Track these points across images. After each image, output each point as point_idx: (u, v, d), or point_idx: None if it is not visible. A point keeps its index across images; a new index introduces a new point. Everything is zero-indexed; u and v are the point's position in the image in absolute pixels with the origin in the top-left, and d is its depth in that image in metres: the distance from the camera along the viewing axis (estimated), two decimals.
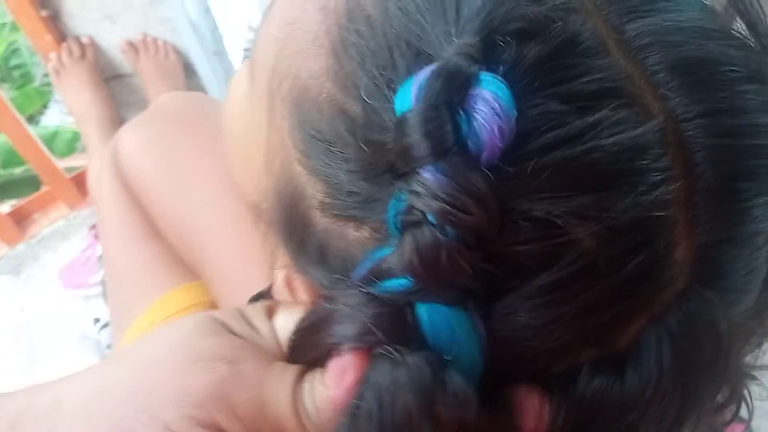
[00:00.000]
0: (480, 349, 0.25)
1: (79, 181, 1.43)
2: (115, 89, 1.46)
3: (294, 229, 0.31)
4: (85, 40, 1.40)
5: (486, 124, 0.22)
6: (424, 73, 0.23)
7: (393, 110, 0.24)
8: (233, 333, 0.28)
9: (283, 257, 0.33)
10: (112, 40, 1.42)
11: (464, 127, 0.22)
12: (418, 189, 0.22)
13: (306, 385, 0.26)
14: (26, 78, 1.52)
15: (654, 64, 0.25)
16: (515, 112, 0.22)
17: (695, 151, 0.25)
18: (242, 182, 0.37)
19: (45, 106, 1.57)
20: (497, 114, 0.22)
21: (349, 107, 0.26)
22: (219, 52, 1.39)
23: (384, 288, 0.24)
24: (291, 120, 0.29)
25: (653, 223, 0.24)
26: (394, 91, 0.24)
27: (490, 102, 0.22)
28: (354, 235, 0.27)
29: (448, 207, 0.22)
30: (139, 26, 1.41)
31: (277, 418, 0.26)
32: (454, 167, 0.22)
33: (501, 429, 0.27)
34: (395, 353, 0.24)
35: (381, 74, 0.25)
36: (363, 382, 0.24)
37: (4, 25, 1.51)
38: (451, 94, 0.22)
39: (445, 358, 0.24)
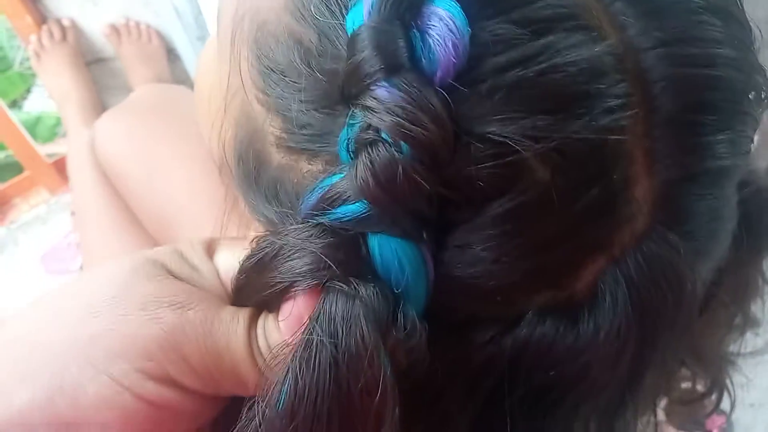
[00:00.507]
0: (426, 283, 0.24)
1: (60, 167, 1.42)
2: (97, 73, 1.44)
3: (248, 169, 0.30)
4: (66, 22, 1.38)
5: (440, 41, 0.22)
6: None
7: (346, 35, 0.24)
8: (174, 275, 0.27)
9: (240, 207, 0.32)
10: (94, 22, 1.41)
11: (418, 43, 0.22)
12: (372, 104, 0.22)
13: (260, 331, 0.26)
14: (5, 62, 1.50)
15: None
16: (469, 29, 0.22)
17: (653, 81, 0.24)
18: (210, 140, 0.36)
19: (28, 91, 1.55)
20: (451, 30, 0.22)
21: (304, 37, 0.26)
22: (202, 37, 1.37)
23: (335, 216, 0.24)
24: (250, 57, 0.29)
25: (609, 153, 0.24)
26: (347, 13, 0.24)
27: (444, 19, 0.22)
28: (308, 167, 0.26)
29: (403, 121, 0.21)
30: (122, 9, 1.40)
31: (233, 367, 0.25)
32: (408, 82, 0.22)
33: (449, 362, 0.26)
34: (349, 286, 0.23)
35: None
36: (315, 315, 0.23)
37: None
38: (404, 10, 0.22)
39: (395, 290, 0.24)
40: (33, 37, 1.36)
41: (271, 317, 0.26)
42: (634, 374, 0.28)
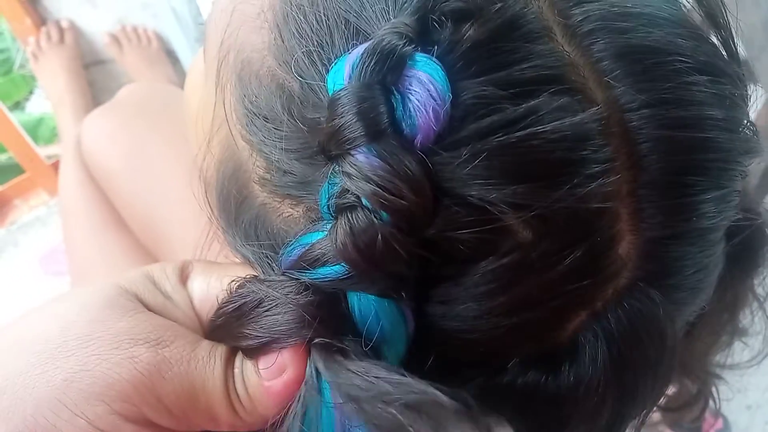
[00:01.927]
0: (405, 337, 0.24)
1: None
2: (97, 75, 1.44)
3: (229, 202, 0.30)
4: (64, 24, 1.38)
5: (421, 107, 0.21)
6: (358, 51, 0.22)
7: (326, 90, 0.23)
8: (147, 306, 0.26)
9: (223, 238, 0.32)
10: (93, 24, 1.40)
11: (399, 108, 0.22)
12: (351, 171, 0.22)
13: (237, 371, 0.25)
14: (7, 64, 1.50)
15: (599, 50, 0.24)
16: (450, 95, 0.22)
17: (640, 143, 0.24)
18: (198, 159, 0.36)
19: (31, 93, 1.55)
20: (432, 96, 0.21)
21: (287, 83, 0.26)
22: (201, 39, 1.37)
23: (316, 276, 0.24)
24: (235, 93, 0.28)
25: (593, 216, 0.24)
26: (329, 70, 0.24)
27: (425, 84, 0.22)
28: (289, 212, 0.27)
29: (380, 191, 0.21)
30: (120, 11, 1.39)
31: (208, 407, 0.25)
32: (387, 150, 0.22)
33: None
34: (332, 342, 0.23)
35: (318, 51, 0.25)
36: (307, 378, 0.24)
37: None
38: (386, 74, 0.22)
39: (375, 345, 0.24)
40: (31, 39, 1.36)
41: (249, 362, 0.26)
42: (614, 422, 0.28)
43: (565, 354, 0.26)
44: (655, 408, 0.46)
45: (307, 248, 0.24)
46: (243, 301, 0.25)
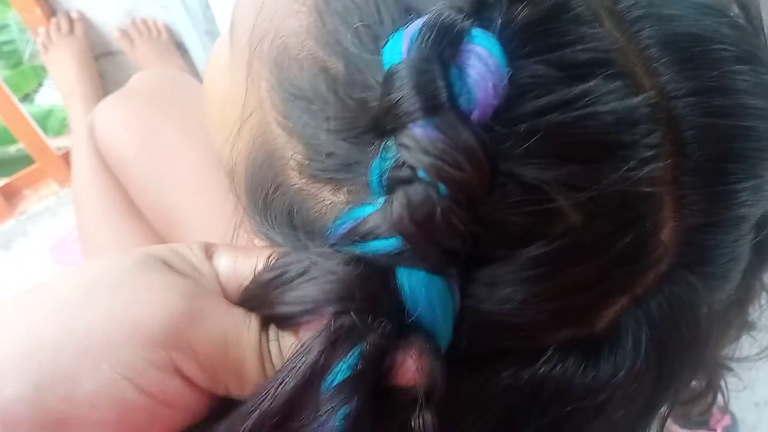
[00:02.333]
0: (453, 316, 0.24)
1: (69, 159, 1.42)
2: (107, 66, 1.44)
3: (260, 190, 0.30)
4: (74, 15, 1.38)
5: (480, 80, 0.21)
6: (415, 26, 0.22)
7: (378, 66, 0.23)
8: (177, 271, 0.26)
9: (251, 224, 0.32)
10: (103, 15, 1.40)
11: (457, 82, 0.22)
12: (409, 143, 0.22)
13: (272, 333, 0.25)
14: (15, 55, 1.51)
15: (647, 37, 0.25)
16: (509, 69, 0.22)
17: (684, 130, 0.24)
18: (220, 147, 0.36)
19: (40, 84, 1.56)
20: (491, 70, 0.21)
21: (330, 65, 0.26)
22: (211, 31, 1.37)
23: (368, 248, 0.23)
24: (270, 80, 0.28)
25: (641, 201, 0.24)
26: (380, 47, 0.24)
27: (483, 58, 0.22)
28: (330, 198, 0.26)
29: (440, 162, 0.21)
30: (130, 2, 1.39)
31: (238, 361, 0.24)
32: (446, 123, 0.21)
33: (468, 394, 0.27)
34: (363, 324, 0.23)
35: (366, 29, 0.25)
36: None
37: None
38: (444, 48, 0.22)
39: (422, 326, 0.24)
40: (41, 30, 1.36)
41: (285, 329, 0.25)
42: (647, 409, 0.28)
43: (604, 340, 0.26)
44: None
45: (358, 221, 0.23)
46: (286, 269, 0.25)
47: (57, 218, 1.43)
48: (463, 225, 0.22)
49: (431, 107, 0.22)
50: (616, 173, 0.23)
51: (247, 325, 0.25)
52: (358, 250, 0.24)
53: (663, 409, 0.32)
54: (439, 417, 0.24)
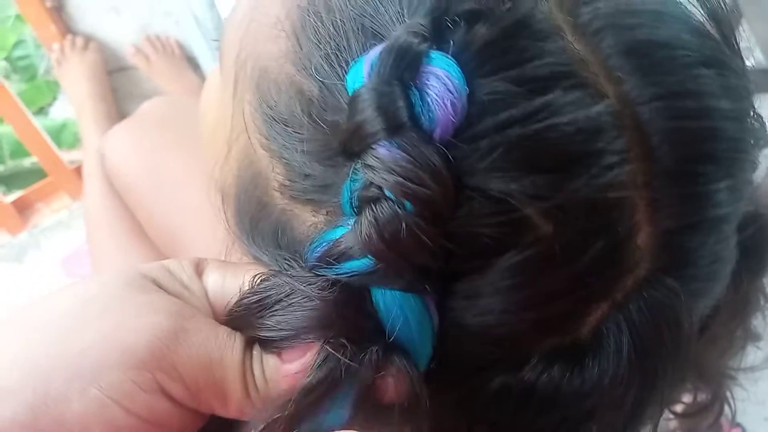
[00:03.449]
0: (431, 333, 0.25)
1: (82, 172, 1.44)
2: (119, 81, 1.46)
3: (248, 211, 0.31)
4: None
5: (439, 100, 0.22)
6: (375, 51, 0.23)
7: (346, 90, 0.24)
8: (167, 291, 0.26)
9: (239, 245, 0.33)
10: (117, 32, 1.43)
11: (417, 102, 0.23)
12: (374, 164, 0.23)
13: (255, 354, 0.25)
14: (30, 70, 1.53)
15: (608, 47, 0.25)
16: (467, 88, 0.22)
17: (652, 135, 0.25)
18: (214, 171, 0.37)
19: (55, 98, 1.58)
20: (449, 90, 0.22)
21: (306, 88, 0.27)
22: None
23: (341, 271, 0.24)
24: (253, 102, 0.29)
25: (612, 207, 0.24)
26: (348, 71, 0.24)
27: (442, 78, 0.22)
28: (311, 219, 0.27)
29: (404, 180, 0.22)
30: (144, 18, 1.42)
31: (221, 382, 0.25)
32: (408, 142, 0.22)
33: (456, 406, 0.27)
34: (347, 350, 0.24)
35: (336, 54, 0.25)
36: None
37: (9, 17, 1.52)
38: (403, 71, 0.23)
39: (399, 345, 0.24)
40: (56, 46, 1.39)
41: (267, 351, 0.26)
42: (635, 412, 0.28)
43: (588, 347, 0.26)
44: (672, 416, 0.47)
45: (331, 244, 0.24)
46: (267, 293, 0.25)
47: (69, 231, 1.44)
48: (431, 240, 0.23)
49: (393, 127, 0.23)
50: (580, 180, 0.23)
51: (231, 346, 0.25)
52: (333, 272, 0.24)
53: (654, 419, 0.32)
54: (435, 425, 0.25)
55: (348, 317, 0.24)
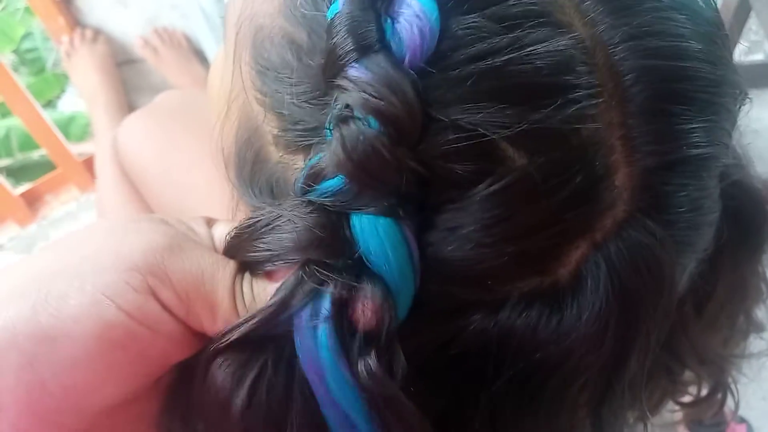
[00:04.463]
0: (411, 263, 0.25)
1: (90, 165, 1.45)
2: (127, 73, 1.48)
3: (246, 167, 0.32)
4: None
5: (407, 25, 0.23)
6: None
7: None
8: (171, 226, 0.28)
9: (243, 204, 0.34)
10: (124, 24, 1.44)
11: (389, 29, 0.24)
12: (345, 84, 0.24)
13: (246, 276, 0.27)
14: (38, 63, 1.55)
15: None
16: (437, 13, 0.23)
17: (625, 74, 0.25)
18: (217, 131, 0.38)
19: (63, 91, 1.60)
20: (418, 15, 0.23)
21: (296, 36, 0.28)
22: None
23: (319, 191, 0.25)
24: (249, 59, 0.30)
25: (586, 143, 0.25)
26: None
27: (412, 6, 0.23)
28: (303, 165, 0.27)
29: (368, 96, 0.23)
30: (151, 11, 1.43)
31: (212, 294, 0.26)
32: (377, 62, 0.23)
33: (437, 348, 0.27)
34: (321, 274, 0.25)
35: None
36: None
37: (18, 10, 1.54)
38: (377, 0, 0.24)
39: (376, 270, 0.25)
40: (65, 38, 1.40)
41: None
42: (618, 358, 0.29)
43: (568, 288, 0.27)
44: (677, 407, 0.47)
45: (311, 168, 0.25)
46: (257, 220, 0.27)
47: (78, 223, 1.46)
48: (397, 160, 0.23)
49: (363, 48, 0.24)
50: (546, 111, 0.24)
51: (223, 266, 0.27)
52: (312, 195, 0.25)
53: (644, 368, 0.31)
54: (417, 362, 0.26)
55: (326, 239, 0.25)
